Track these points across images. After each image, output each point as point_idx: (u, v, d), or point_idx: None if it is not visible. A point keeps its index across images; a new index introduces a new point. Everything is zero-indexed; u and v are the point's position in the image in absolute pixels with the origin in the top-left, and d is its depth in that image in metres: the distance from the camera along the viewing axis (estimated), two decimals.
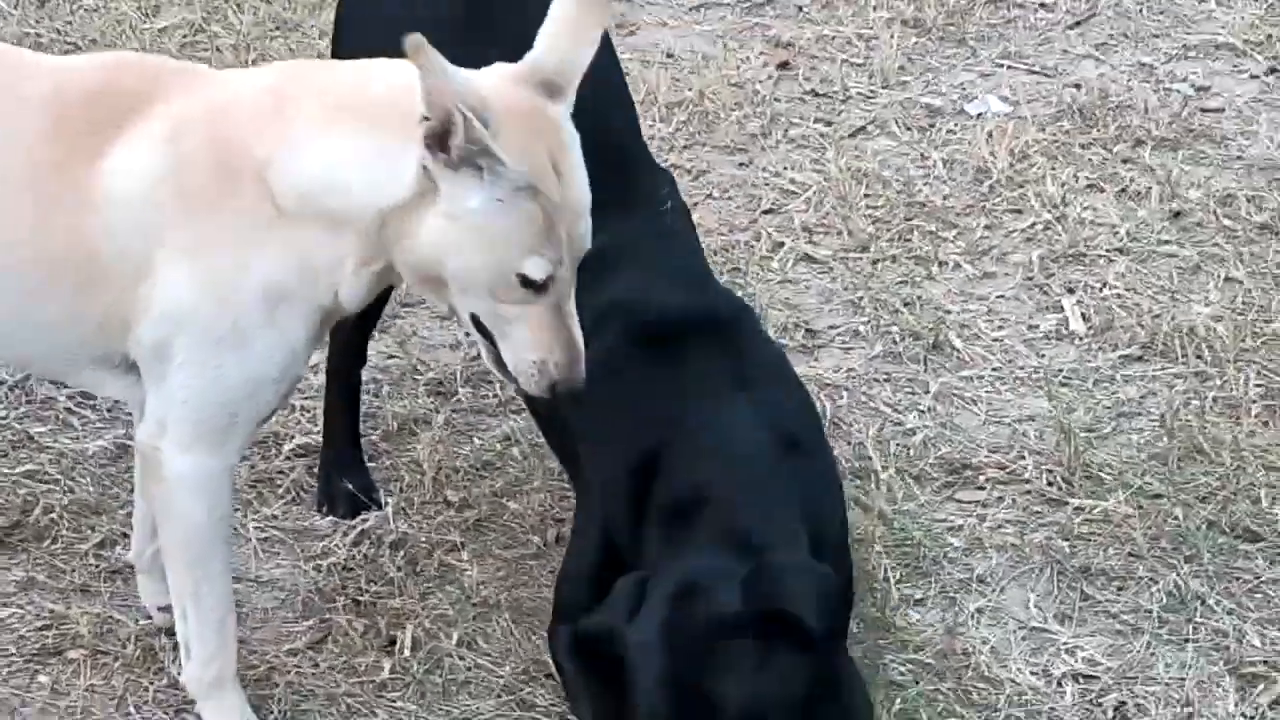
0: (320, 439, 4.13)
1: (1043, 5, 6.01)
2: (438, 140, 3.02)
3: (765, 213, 5.02)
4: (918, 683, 3.63)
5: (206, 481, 3.31)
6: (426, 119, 3.01)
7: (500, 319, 3.15)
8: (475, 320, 3.19)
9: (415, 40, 2.94)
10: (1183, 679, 3.69)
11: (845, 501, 3.60)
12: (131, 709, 3.56)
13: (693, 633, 3.22)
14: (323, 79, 3.24)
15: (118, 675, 3.63)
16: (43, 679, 3.62)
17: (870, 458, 4.18)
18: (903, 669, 3.67)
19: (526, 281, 3.10)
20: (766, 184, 5.12)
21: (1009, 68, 5.69)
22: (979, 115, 5.43)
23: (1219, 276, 4.82)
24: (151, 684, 3.60)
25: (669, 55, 5.67)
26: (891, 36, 5.75)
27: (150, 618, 3.70)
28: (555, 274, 3.10)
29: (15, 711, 3.56)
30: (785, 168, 5.19)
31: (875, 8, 5.92)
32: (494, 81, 3.11)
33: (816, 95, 5.53)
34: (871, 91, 5.54)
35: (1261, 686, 3.67)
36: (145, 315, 3.23)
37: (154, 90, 3.25)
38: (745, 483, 3.37)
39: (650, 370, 3.53)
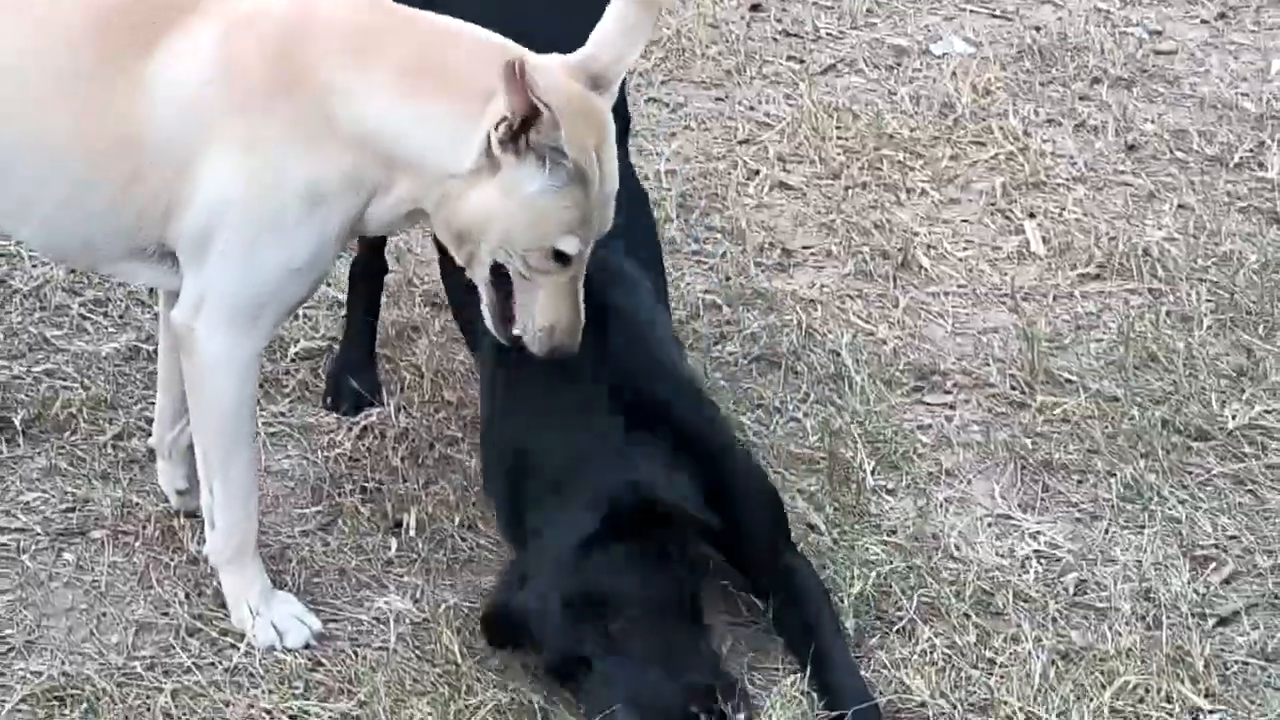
0: (323, 344, 4.36)
1: None
2: (511, 132, 3.32)
3: (741, 143, 5.25)
4: (891, 561, 3.87)
5: (236, 361, 3.53)
6: (506, 118, 3.30)
7: (525, 283, 3.46)
8: (493, 275, 3.48)
9: (515, 58, 3.26)
10: (1139, 560, 3.94)
11: (724, 447, 3.76)
12: (153, 582, 3.77)
13: (572, 567, 3.50)
14: (408, 32, 3.46)
15: (139, 553, 3.84)
16: (68, 556, 3.84)
17: (845, 364, 4.42)
18: (877, 549, 3.90)
19: (559, 256, 3.43)
20: (742, 116, 5.36)
21: (971, 11, 5.94)
22: (943, 55, 5.67)
23: (1172, 203, 5.07)
24: (172, 560, 3.81)
25: None
26: None
27: (169, 501, 3.92)
28: (582, 251, 3.43)
29: (43, 585, 3.77)
30: (760, 102, 5.43)
31: None
32: (555, 74, 3.37)
33: (788, 35, 5.77)
34: (840, 32, 5.78)
35: (1213, 566, 3.93)
36: (189, 203, 3.45)
37: None
38: (601, 462, 3.60)
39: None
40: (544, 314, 3.49)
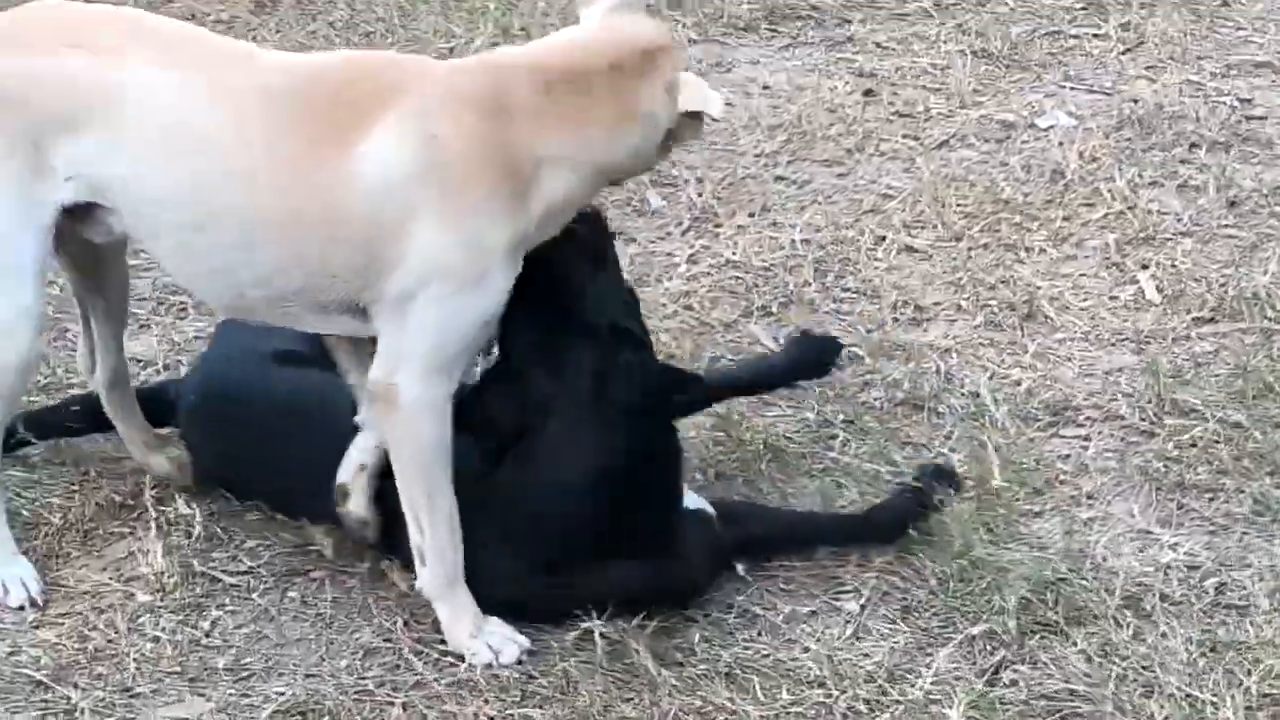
0: None
1: (1096, 35, 6.65)
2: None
3: (866, 213, 5.63)
4: (1044, 572, 4.20)
5: (439, 405, 3.91)
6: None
7: None
8: None
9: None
10: (1274, 565, 4.27)
11: None
12: (374, 613, 4.14)
13: None
14: (592, 83, 3.90)
15: (357, 589, 4.21)
16: (292, 594, 4.21)
17: (984, 403, 4.78)
18: (1029, 563, 4.24)
19: None
20: (865, 190, 5.74)
21: (1071, 89, 6.32)
22: (1049, 127, 6.05)
23: (1275, 252, 5.42)
24: (388, 594, 4.18)
25: (765, 87, 6.30)
26: (963, 65, 6.39)
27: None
28: None
29: (274, 619, 4.14)
30: (880, 176, 5.81)
31: (945, 41, 6.57)
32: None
33: (901, 116, 6.16)
34: (950, 111, 6.17)
35: None
36: (395, 268, 3.84)
37: (396, 83, 3.88)
38: None
39: None
40: None
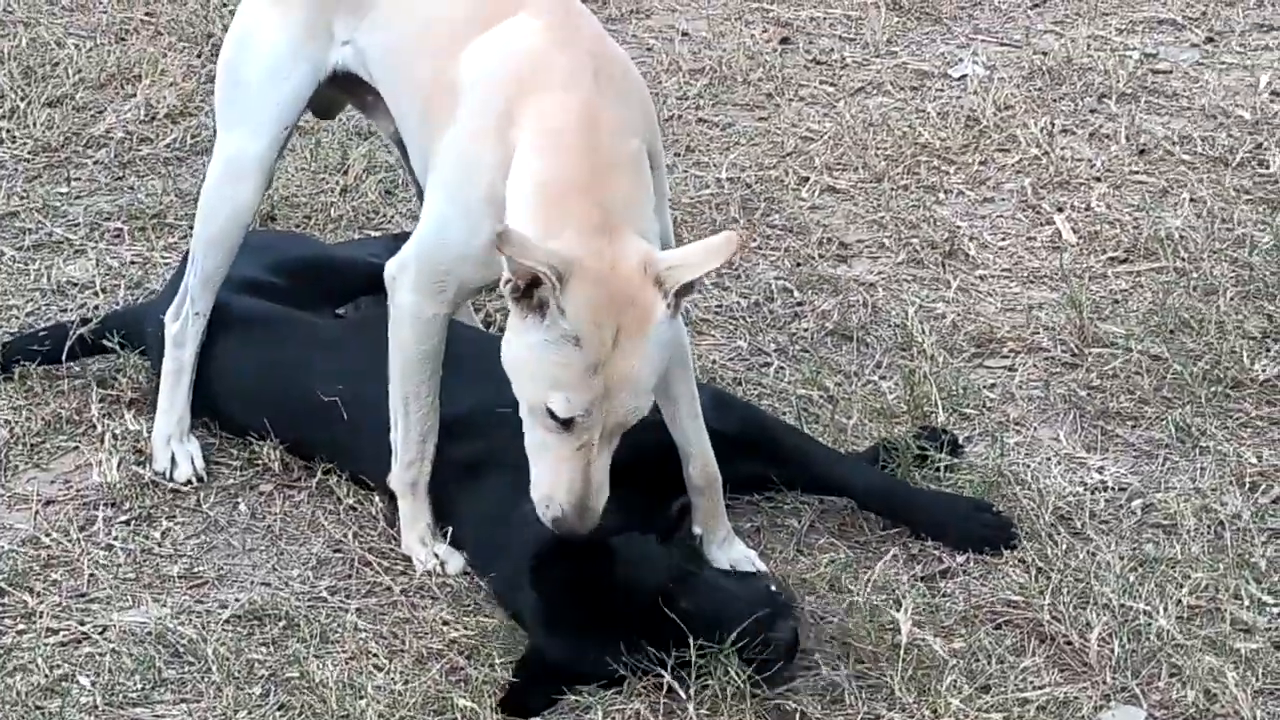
0: None
1: None
2: (517, 291, 3.56)
3: (789, 155, 5.74)
4: (977, 491, 4.32)
5: (422, 319, 3.95)
6: (510, 279, 3.54)
7: (535, 445, 3.65)
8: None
9: (503, 228, 3.53)
10: (1196, 487, 4.41)
11: None
12: (323, 525, 4.20)
13: None
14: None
15: (305, 503, 4.27)
16: (242, 507, 4.27)
17: (911, 334, 4.89)
18: (963, 482, 4.36)
19: (556, 417, 3.58)
20: (787, 133, 5.84)
21: (981, 41, 6.45)
22: (962, 76, 6.18)
23: (1184, 198, 5.57)
24: (336, 508, 4.24)
25: (684, 33, 6.39)
26: (876, 16, 6.51)
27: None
28: (580, 421, 3.57)
29: (223, 531, 4.19)
30: (800, 120, 5.92)
31: None
32: (601, 252, 3.57)
33: (818, 64, 6.26)
34: (865, 60, 6.28)
35: (1262, 488, 4.40)
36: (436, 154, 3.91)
37: None
38: None
39: None
40: (542, 480, 3.64)
